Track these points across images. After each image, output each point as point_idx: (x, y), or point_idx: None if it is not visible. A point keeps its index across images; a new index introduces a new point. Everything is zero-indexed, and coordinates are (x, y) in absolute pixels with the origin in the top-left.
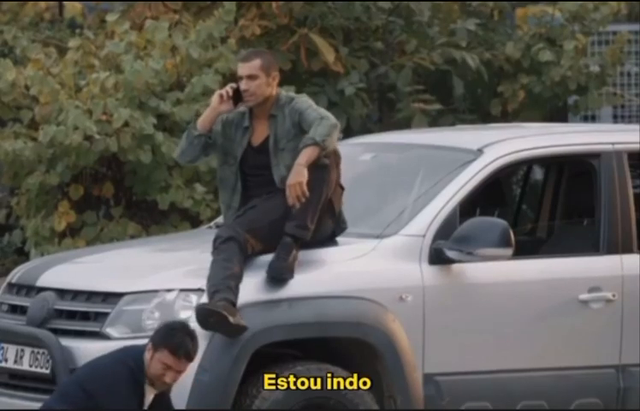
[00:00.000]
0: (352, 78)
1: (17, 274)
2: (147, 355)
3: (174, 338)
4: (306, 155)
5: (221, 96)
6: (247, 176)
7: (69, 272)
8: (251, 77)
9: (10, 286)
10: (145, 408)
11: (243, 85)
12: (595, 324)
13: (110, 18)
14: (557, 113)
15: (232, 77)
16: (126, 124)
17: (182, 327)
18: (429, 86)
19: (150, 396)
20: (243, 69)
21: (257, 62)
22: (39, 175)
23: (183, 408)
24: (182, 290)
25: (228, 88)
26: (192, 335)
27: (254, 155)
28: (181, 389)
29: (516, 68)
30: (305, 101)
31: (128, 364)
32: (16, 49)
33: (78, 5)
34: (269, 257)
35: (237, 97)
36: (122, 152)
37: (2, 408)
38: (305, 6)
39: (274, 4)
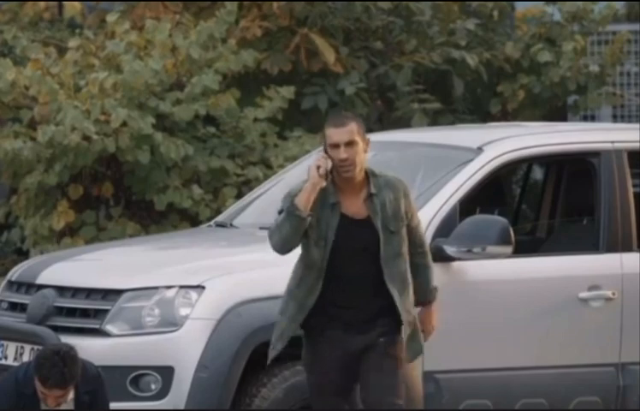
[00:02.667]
0: (353, 78)
1: (17, 272)
2: (40, 389)
3: (42, 369)
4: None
5: (318, 168)
6: (340, 256)
7: (69, 270)
8: (350, 144)
9: (10, 284)
10: None
11: (341, 153)
12: (595, 323)
13: (110, 18)
14: (556, 113)
15: (232, 77)
16: (124, 124)
17: (54, 354)
18: (428, 85)
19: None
20: (341, 135)
21: (354, 127)
22: (38, 175)
23: (182, 406)
24: (182, 287)
25: (323, 160)
26: (65, 360)
27: (352, 229)
28: (181, 386)
29: (515, 68)
30: (414, 205)
31: (17, 375)
32: (16, 49)
33: (77, 5)
34: (269, 256)
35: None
36: (120, 153)
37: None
38: (306, 6)
39: (274, 5)
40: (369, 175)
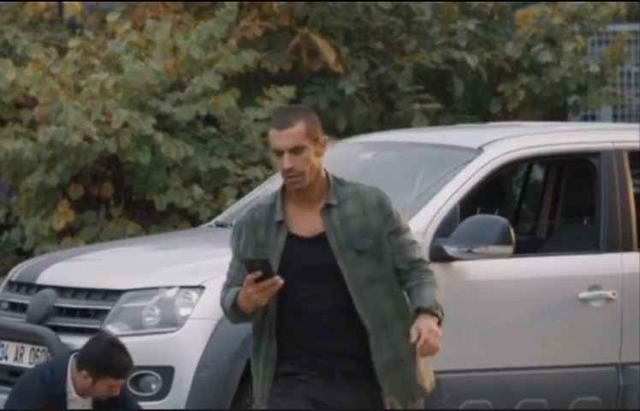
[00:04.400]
0: (353, 78)
1: (17, 272)
2: (83, 382)
3: (113, 364)
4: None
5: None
6: (293, 285)
7: (69, 270)
8: (296, 150)
9: (10, 284)
10: None
11: (285, 162)
12: (595, 323)
13: (111, 18)
14: (557, 113)
15: (232, 77)
16: (125, 125)
17: (113, 346)
18: (429, 86)
19: (82, 404)
20: (284, 140)
21: (301, 128)
22: (39, 175)
23: (182, 406)
24: (182, 287)
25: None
26: (123, 348)
27: (302, 250)
28: (181, 386)
29: (516, 69)
30: (395, 210)
31: (43, 374)
32: (16, 49)
33: (77, 5)
34: None
35: (266, 268)
36: (121, 153)
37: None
38: (306, 6)
39: (275, 4)
40: (330, 182)
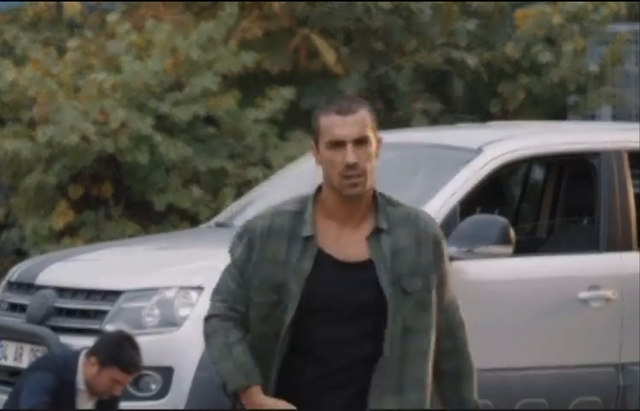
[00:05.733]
0: (353, 78)
1: (16, 272)
2: (90, 370)
3: (123, 355)
4: None
5: None
6: (315, 322)
7: (68, 270)
8: (362, 142)
9: (9, 284)
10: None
11: (349, 156)
12: (595, 323)
13: (111, 18)
14: (556, 113)
15: (233, 77)
16: (123, 125)
17: (127, 340)
18: (429, 86)
19: (86, 403)
20: (349, 128)
21: (366, 116)
22: (38, 175)
23: (182, 406)
24: (182, 288)
25: None
26: (136, 346)
27: (339, 277)
28: (181, 386)
29: (515, 69)
30: (447, 253)
31: (56, 361)
32: (16, 49)
33: (77, 5)
34: None
35: None
36: (120, 153)
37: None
38: (307, 7)
39: (276, 5)
40: (377, 199)
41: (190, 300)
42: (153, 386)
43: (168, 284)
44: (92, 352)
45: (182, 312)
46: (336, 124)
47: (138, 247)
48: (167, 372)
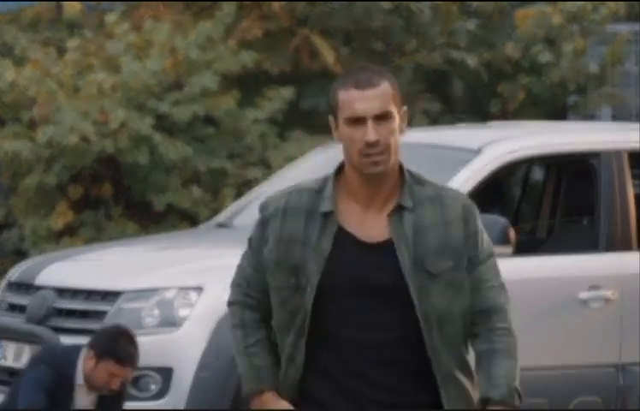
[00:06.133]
0: None
1: (16, 272)
2: (88, 363)
3: (118, 347)
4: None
5: None
6: (336, 304)
7: (68, 270)
8: (384, 117)
9: (9, 284)
10: (78, 408)
11: (370, 133)
12: (595, 323)
13: (110, 18)
14: (556, 113)
15: (232, 77)
16: (123, 125)
17: (124, 334)
18: (429, 86)
19: (85, 398)
20: (369, 102)
21: (388, 88)
22: (37, 175)
23: (182, 407)
24: (181, 288)
25: None
26: (133, 339)
27: (359, 257)
28: (180, 386)
29: (515, 69)
30: (481, 229)
31: (54, 354)
32: (15, 49)
33: (77, 5)
34: None
35: None
36: (119, 153)
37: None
38: (307, 6)
39: (275, 5)
40: (404, 175)
41: (189, 300)
42: (153, 387)
43: (168, 285)
44: (90, 346)
45: (182, 312)
46: (355, 99)
47: (137, 247)
48: (166, 373)
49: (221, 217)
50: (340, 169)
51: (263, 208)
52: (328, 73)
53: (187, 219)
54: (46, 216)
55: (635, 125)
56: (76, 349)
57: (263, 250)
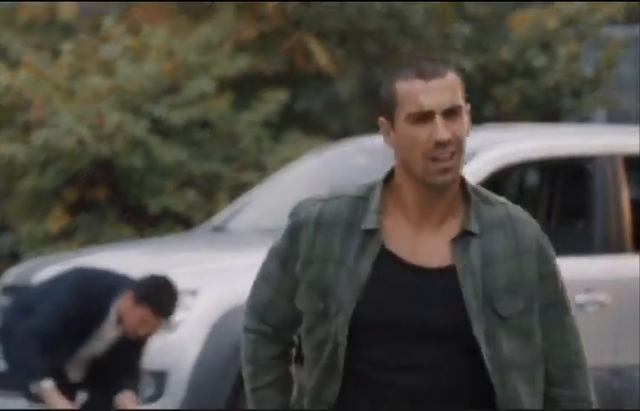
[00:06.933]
0: (348, 81)
1: (11, 276)
2: (125, 302)
3: (160, 300)
4: None
5: None
6: (377, 341)
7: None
8: (454, 113)
9: (4, 288)
10: (104, 341)
11: (440, 131)
12: (590, 326)
13: (107, 22)
14: (550, 116)
15: (227, 80)
16: (119, 129)
17: (169, 286)
18: None
19: (111, 332)
20: (439, 95)
21: (454, 79)
22: (33, 179)
23: (177, 407)
24: None
25: None
26: (174, 294)
27: (410, 286)
28: (175, 390)
29: (510, 72)
30: (557, 266)
31: (83, 283)
32: (9, 52)
33: (71, 7)
34: None
35: None
36: (115, 156)
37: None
38: (301, 7)
39: (269, 5)
40: (467, 190)
41: (185, 304)
42: (147, 390)
43: None
44: (132, 287)
45: (177, 316)
46: (420, 91)
47: (132, 250)
48: (161, 376)
49: (215, 220)
50: (388, 178)
51: (293, 214)
52: (322, 74)
53: (183, 222)
54: (42, 219)
55: (630, 129)
56: (119, 284)
57: (290, 265)
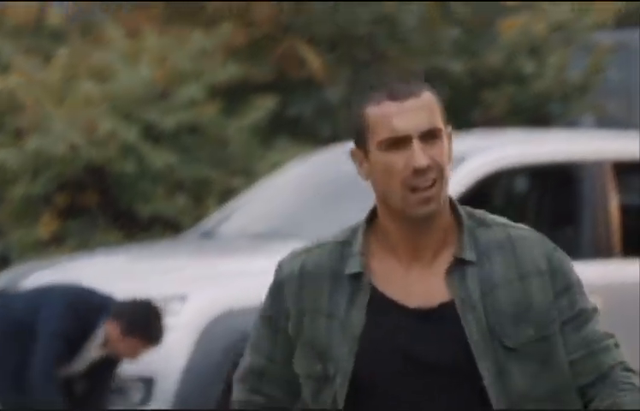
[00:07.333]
0: (338, 86)
1: (1, 280)
2: (113, 333)
3: (150, 329)
4: None
5: None
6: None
7: (52, 279)
8: (432, 135)
9: None
10: (85, 361)
11: (418, 157)
12: None
13: (102, 26)
14: (539, 121)
15: (219, 89)
16: (111, 134)
17: (155, 312)
18: None
19: (95, 353)
20: (414, 117)
21: (431, 99)
22: (24, 184)
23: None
24: (165, 297)
25: None
26: (162, 318)
27: (401, 329)
28: (163, 396)
29: (498, 77)
30: (577, 279)
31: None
32: (1, 57)
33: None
34: (253, 265)
35: None
36: (107, 162)
37: None
38: (292, 8)
39: (259, 11)
40: (459, 215)
41: (173, 309)
42: (135, 396)
43: (151, 294)
44: (116, 317)
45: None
46: (394, 113)
47: (121, 255)
48: (149, 382)
49: (204, 225)
50: (372, 217)
51: (275, 270)
52: (313, 80)
53: (172, 228)
54: (32, 225)
55: (618, 134)
56: (105, 305)
57: (280, 324)
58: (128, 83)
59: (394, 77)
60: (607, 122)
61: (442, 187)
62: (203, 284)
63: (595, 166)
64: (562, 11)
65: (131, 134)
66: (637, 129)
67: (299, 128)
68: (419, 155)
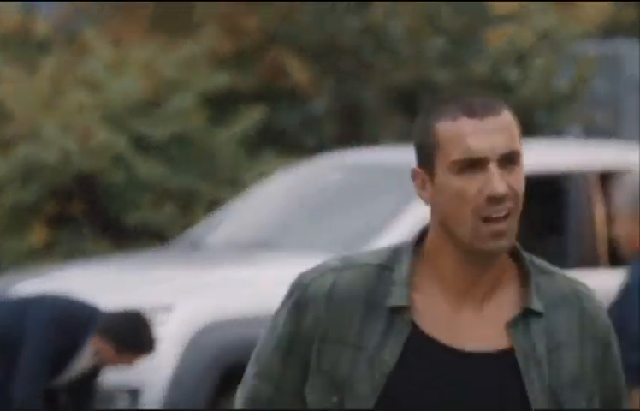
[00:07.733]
0: (323, 97)
1: None
2: (105, 350)
3: (142, 342)
4: None
5: None
6: None
7: (39, 288)
8: (512, 159)
9: None
10: (74, 372)
11: (496, 183)
12: None
13: (88, 35)
14: (524, 130)
15: (208, 99)
16: (102, 144)
17: (145, 324)
18: (398, 104)
19: (85, 364)
20: (489, 137)
21: (511, 120)
22: (13, 194)
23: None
24: (151, 308)
25: None
26: (152, 328)
27: (446, 375)
28: (149, 407)
29: (485, 87)
30: (618, 357)
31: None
32: None
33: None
34: (240, 275)
35: None
36: (99, 172)
37: None
38: (277, 20)
39: (246, 21)
40: (519, 255)
41: (159, 320)
42: (121, 406)
43: (137, 304)
44: (105, 333)
45: None
46: (470, 132)
47: (109, 265)
48: (135, 393)
49: (190, 235)
50: (418, 241)
51: (297, 286)
52: (299, 91)
53: (160, 238)
54: (22, 234)
55: (605, 143)
56: (94, 317)
57: (296, 349)
58: (119, 92)
59: (469, 91)
60: (594, 132)
61: (516, 220)
62: (189, 295)
63: (582, 176)
64: (548, 19)
65: (122, 144)
66: (624, 140)
67: (285, 139)
68: (496, 181)
